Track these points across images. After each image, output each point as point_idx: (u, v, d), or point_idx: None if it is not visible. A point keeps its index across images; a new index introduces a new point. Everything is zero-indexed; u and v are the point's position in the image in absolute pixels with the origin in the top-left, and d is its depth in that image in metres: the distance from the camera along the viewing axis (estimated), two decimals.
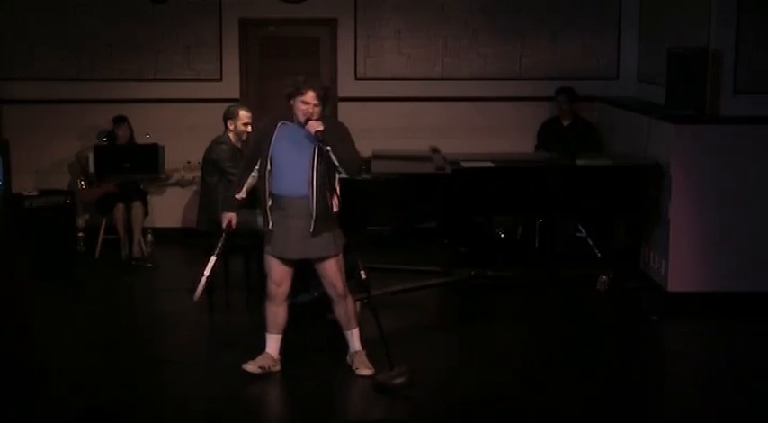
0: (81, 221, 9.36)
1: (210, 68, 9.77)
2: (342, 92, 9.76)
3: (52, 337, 6.93)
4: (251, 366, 6.10)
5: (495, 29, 9.76)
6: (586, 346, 6.84)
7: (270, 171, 5.94)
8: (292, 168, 5.91)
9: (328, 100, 6.03)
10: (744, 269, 7.61)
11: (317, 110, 5.88)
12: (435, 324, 7.48)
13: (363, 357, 6.18)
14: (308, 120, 5.86)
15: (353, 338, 6.21)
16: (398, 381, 5.88)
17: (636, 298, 7.80)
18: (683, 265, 7.62)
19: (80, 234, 9.29)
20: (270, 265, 6.06)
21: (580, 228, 8.70)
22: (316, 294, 7.22)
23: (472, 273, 8.11)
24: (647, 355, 6.82)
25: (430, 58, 9.81)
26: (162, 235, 9.37)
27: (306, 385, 6.03)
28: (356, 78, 9.79)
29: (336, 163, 5.88)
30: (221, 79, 9.77)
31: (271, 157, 5.93)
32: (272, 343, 6.16)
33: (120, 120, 9.23)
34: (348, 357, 6.23)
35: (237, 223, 6.91)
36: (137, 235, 8.98)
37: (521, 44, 9.78)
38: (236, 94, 9.67)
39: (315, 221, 5.90)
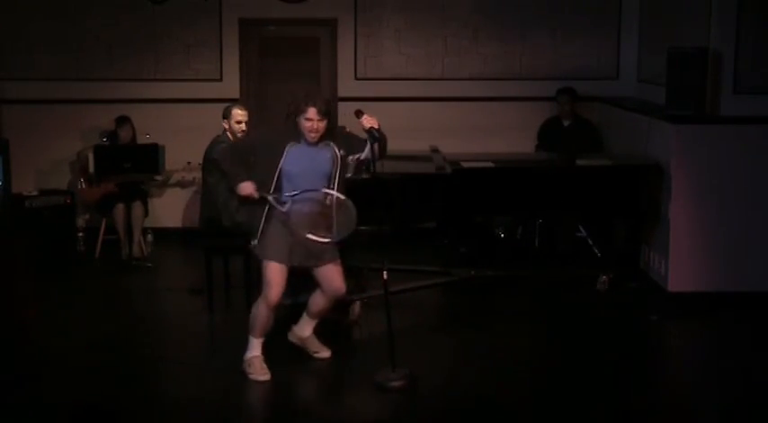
0: (81, 221, 9.35)
1: (210, 68, 9.77)
2: (342, 92, 9.76)
3: (52, 337, 6.93)
4: (263, 376, 6.05)
5: (495, 29, 9.76)
6: (586, 346, 6.84)
7: (278, 186, 5.89)
8: (307, 185, 5.87)
9: (331, 113, 5.97)
10: (744, 269, 7.62)
11: (322, 124, 5.84)
12: (435, 324, 7.47)
13: (316, 340, 6.37)
14: (359, 112, 5.93)
15: (310, 326, 6.36)
16: (396, 383, 5.89)
17: (636, 298, 7.80)
18: (683, 265, 7.63)
19: (80, 234, 9.28)
20: (273, 271, 5.98)
21: (580, 228, 8.70)
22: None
23: (472, 273, 8.11)
24: (647, 355, 6.82)
25: (430, 58, 9.81)
26: (162, 235, 9.37)
27: (305, 385, 6.03)
28: (356, 78, 9.79)
29: (378, 155, 5.94)
30: (221, 79, 9.77)
31: (279, 175, 5.89)
32: (259, 346, 6.12)
33: (123, 120, 9.23)
34: (295, 338, 6.38)
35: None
36: (137, 235, 8.98)
37: (521, 44, 9.78)
38: (236, 94, 9.67)
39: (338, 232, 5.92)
